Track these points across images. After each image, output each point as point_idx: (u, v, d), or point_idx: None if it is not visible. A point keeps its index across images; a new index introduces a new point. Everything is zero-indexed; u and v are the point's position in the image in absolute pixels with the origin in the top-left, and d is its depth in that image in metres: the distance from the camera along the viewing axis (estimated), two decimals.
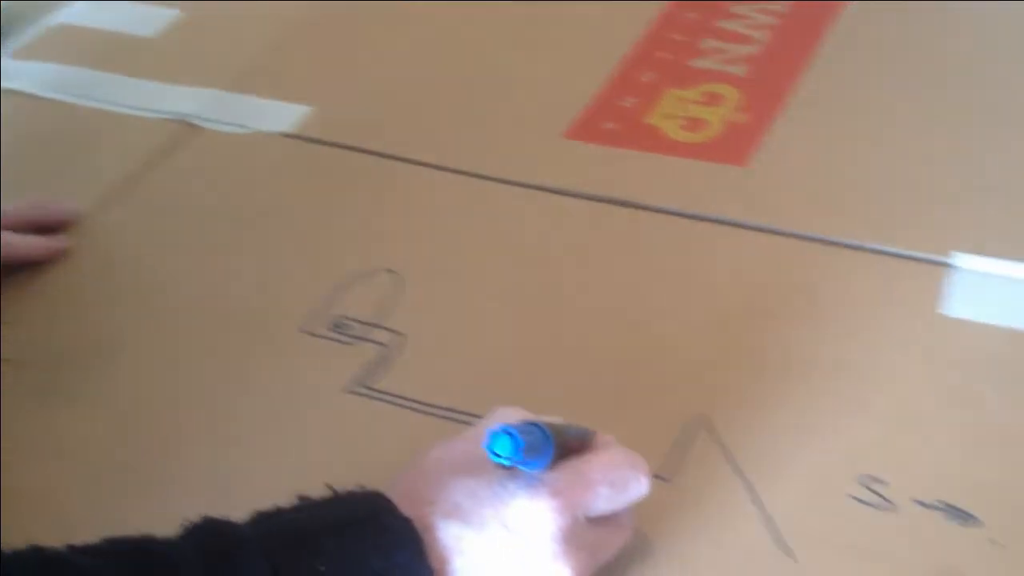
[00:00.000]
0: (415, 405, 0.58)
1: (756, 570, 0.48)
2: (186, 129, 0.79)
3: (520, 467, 0.44)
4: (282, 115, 0.79)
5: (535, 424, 0.44)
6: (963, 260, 0.60)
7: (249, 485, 0.54)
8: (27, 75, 0.86)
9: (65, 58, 0.88)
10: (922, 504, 0.49)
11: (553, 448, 0.44)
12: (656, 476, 0.52)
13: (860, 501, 0.50)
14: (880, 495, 0.50)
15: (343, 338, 0.62)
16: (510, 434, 0.43)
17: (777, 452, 0.53)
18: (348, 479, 0.52)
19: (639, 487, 0.47)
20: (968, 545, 0.47)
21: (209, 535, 0.43)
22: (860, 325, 0.58)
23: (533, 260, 0.65)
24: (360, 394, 0.58)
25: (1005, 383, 0.54)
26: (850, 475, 0.51)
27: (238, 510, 0.45)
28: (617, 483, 0.46)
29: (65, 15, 0.94)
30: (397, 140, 0.75)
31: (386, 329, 0.62)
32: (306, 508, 0.45)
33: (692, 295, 0.61)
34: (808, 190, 0.67)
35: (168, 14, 0.91)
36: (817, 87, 0.74)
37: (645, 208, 0.67)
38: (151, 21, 0.91)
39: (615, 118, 0.75)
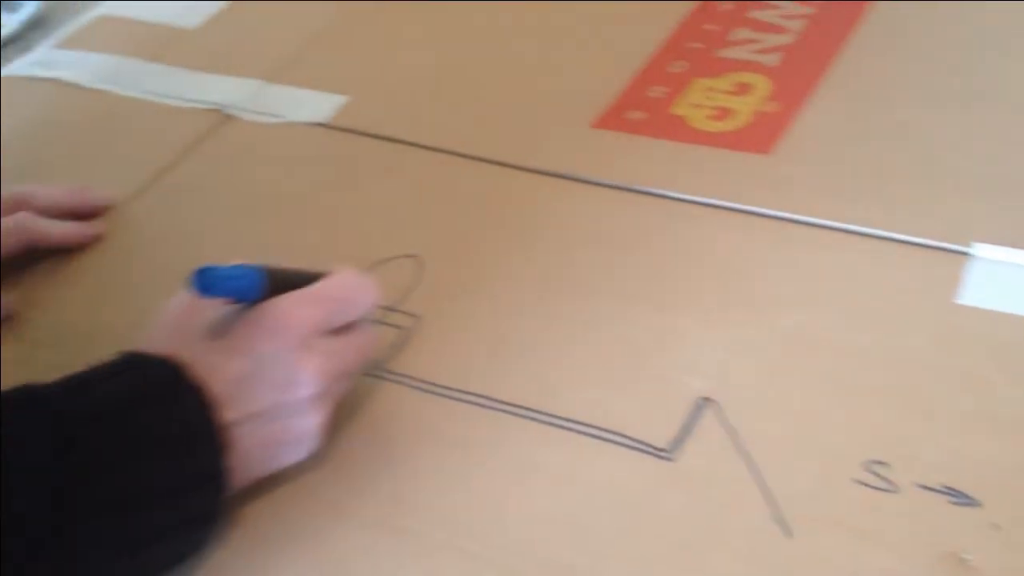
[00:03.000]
0: (431, 387, 0.58)
1: (755, 548, 0.48)
2: (223, 119, 0.81)
3: (236, 299, 0.51)
4: (318, 105, 0.80)
5: (243, 265, 0.51)
6: (982, 250, 0.59)
7: None
8: (69, 64, 0.88)
9: (107, 48, 0.90)
10: (925, 488, 0.49)
11: (261, 275, 0.51)
12: (660, 454, 0.53)
13: (864, 484, 0.49)
14: (884, 478, 0.49)
15: None
16: (207, 270, 0.49)
17: (783, 434, 0.52)
18: (367, 458, 0.54)
19: (367, 296, 0.55)
20: (970, 528, 0.47)
21: (37, 409, 0.47)
22: (874, 311, 0.58)
23: (556, 247, 0.66)
24: (376, 376, 0.59)
25: (1014, 369, 0.53)
26: (855, 458, 0.51)
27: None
28: (343, 296, 0.54)
29: (108, 6, 0.96)
30: (428, 129, 0.76)
31: (403, 312, 0.62)
32: (108, 377, 0.50)
33: (713, 281, 0.61)
34: (832, 179, 0.66)
35: (210, 6, 0.93)
36: (847, 78, 0.74)
37: (668, 196, 0.67)
38: (193, 13, 0.93)
39: (643, 108, 0.75)
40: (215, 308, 0.52)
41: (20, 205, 0.70)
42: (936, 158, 0.67)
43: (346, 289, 0.55)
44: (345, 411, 0.56)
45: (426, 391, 0.58)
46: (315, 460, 0.55)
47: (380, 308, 0.63)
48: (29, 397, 0.48)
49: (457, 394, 0.58)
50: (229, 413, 0.50)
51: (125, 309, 0.66)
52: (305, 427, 0.52)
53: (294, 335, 0.51)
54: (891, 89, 0.73)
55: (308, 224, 0.70)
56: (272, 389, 0.51)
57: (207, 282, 0.50)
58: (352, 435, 0.56)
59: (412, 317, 0.62)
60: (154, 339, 0.53)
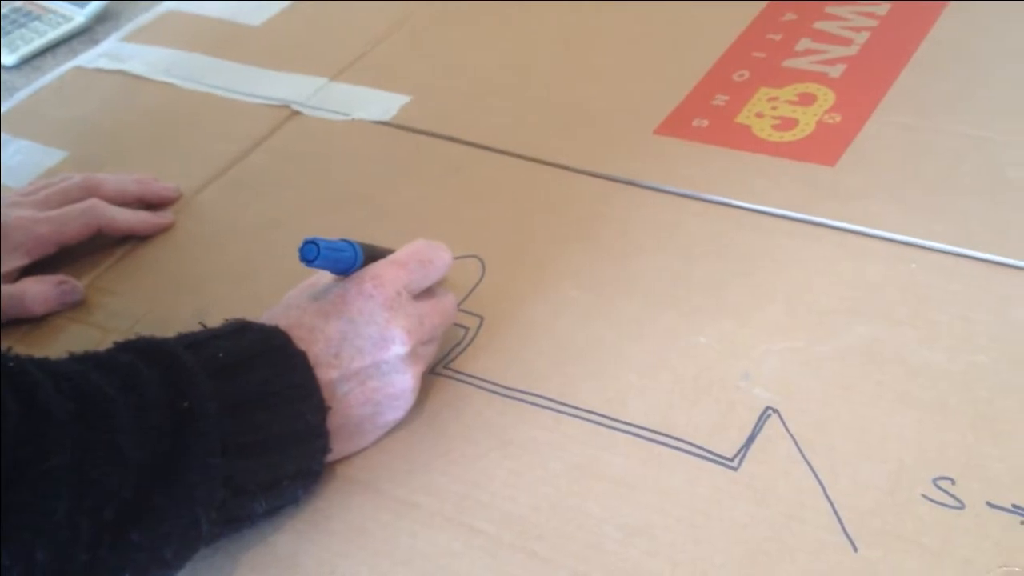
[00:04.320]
0: (495, 387, 0.59)
1: (820, 561, 0.48)
2: (287, 115, 0.81)
3: (336, 270, 0.56)
4: (381, 104, 0.81)
5: (340, 239, 0.55)
6: None
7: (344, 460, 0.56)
8: (138, 58, 0.90)
9: (173, 43, 0.91)
10: (994, 506, 0.49)
11: (359, 249, 0.56)
12: (725, 463, 0.53)
13: (931, 500, 0.49)
14: (951, 494, 0.49)
15: None
16: (313, 241, 0.53)
17: (848, 446, 0.52)
18: (431, 456, 0.55)
19: (442, 257, 0.59)
20: None
21: (157, 356, 0.50)
22: (942, 326, 0.58)
23: (619, 253, 0.66)
24: (439, 374, 0.60)
25: None
26: (922, 474, 0.50)
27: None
28: (422, 258, 0.58)
29: (176, 2, 0.97)
30: (490, 131, 0.76)
31: (466, 312, 0.63)
32: (222, 338, 0.53)
33: (778, 292, 0.61)
34: (898, 192, 0.66)
35: (274, 5, 0.94)
36: (913, 90, 0.74)
37: (733, 205, 0.67)
38: (259, 10, 0.94)
39: (706, 115, 0.75)
40: (317, 280, 0.58)
41: (91, 192, 0.72)
42: (1006, 172, 0.66)
43: (424, 252, 0.59)
44: (411, 409, 0.57)
45: (490, 391, 0.59)
46: (380, 457, 0.56)
47: None
48: (149, 345, 0.51)
49: (521, 395, 0.58)
50: (329, 372, 0.54)
51: (190, 298, 0.68)
52: (400, 384, 0.56)
53: (385, 296, 0.55)
54: (959, 101, 0.72)
55: (370, 221, 0.71)
56: (368, 348, 0.55)
57: (312, 252, 0.53)
58: (417, 432, 0.57)
59: (475, 317, 0.63)
60: (267, 314, 0.57)
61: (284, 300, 0.58)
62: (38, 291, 0.67)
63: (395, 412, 0.57)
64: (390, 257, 0.58)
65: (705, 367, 0.58)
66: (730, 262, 0.64)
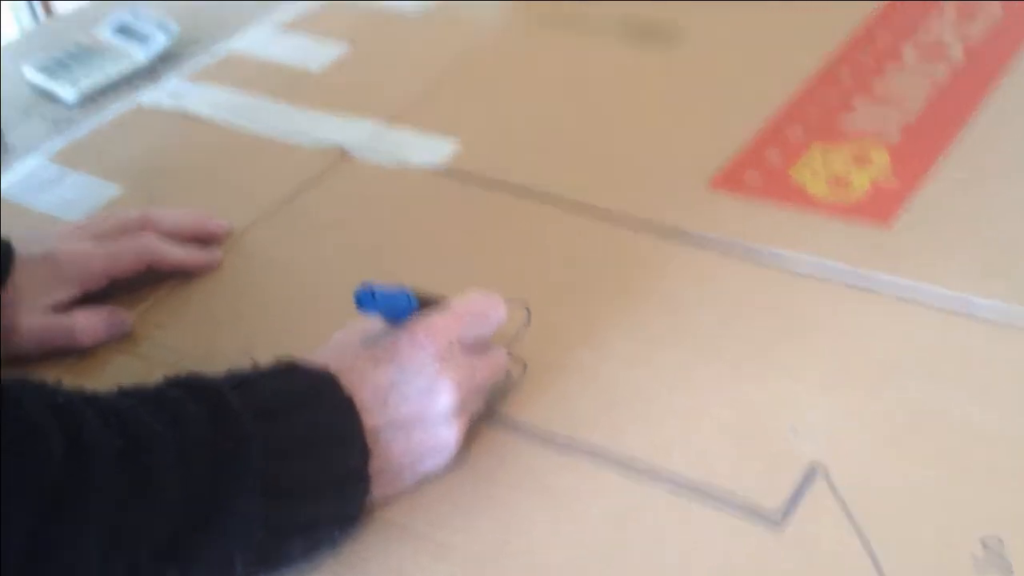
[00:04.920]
0: (538, 433, 0.58)
1: None
2: (341, 158, 0.82)
3: (389, 317, 0.56)
4: (434, 149, 0.81)
5: (399, 285, 0.55)
6: None
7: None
8: (197, 97, 0.91)
9: (234, 84, 0.92)
10: None
11: (413, 298, 0.56)
12: (769, 519, 0.52)
13: (978, 560, 0.48)
14: (1000, 556, 0.48)
15: None
16: (369, 287, 0.53)
17: (895, 506, 0.51)
18: (472, 499, 0.55)
19: (498, 311, 0.59)
20: None
21: (205, 394, 0.50)
22: (992, 389, 0.57)
23: (668, 304, 0.65)
24: (483, 418, 0.59)
25: None
26: (970, 535, 0.49)
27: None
28: (477, 311, 0.58)
29: (239, 43, 0.99)
30: (540, 178, 0.77)
31: (512, 357, 0.62)
32: (270, 378, 0.54)
33: (828, 349, 0.61)
34: (953, 254, 0.65)
35: (334, 51, 0.95)
36: (969, 153, 0.73)
37: (784, 261, 0.67)
38: (319, 55, 0.95)
39: (760, 170, 0.74)
40: (370, 325, 0.57)
41: (145, 226, 0.72)
42: None
43: (479, 305, 0.59)
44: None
45: (532, 436, 0.58)
46: (420, 499, 0.55)
47: None
48: (198, 381, 0.51)
49: (563, 441, 0.58)
50: (375, 419, 0.54)
51: (237, 335, 0.68)
52: (444, 437, 0.55)
53: (437, 347, 0.55)
54: (1016, 165, 0.72)
55: (418, 266, 0.71)
56: (415, 397, 0.54)
57: (367, 298, 0.53)
58: (457, 476, 0.57)
59: (520, 362, 0.62)
60: (316, 354, 0.57)
61: (333, 340, 0.58)
62: (88, 323, 0.67)
63: (436, 462, 0.56)
64: (445, 307, 0.58)
65: (751, 419, 0.57)
66: (780, 318, 0.63)
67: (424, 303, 0.57)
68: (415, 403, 0.54)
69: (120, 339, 0.68)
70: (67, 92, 0.92)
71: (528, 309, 0.65)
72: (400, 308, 0.56)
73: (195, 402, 0.49)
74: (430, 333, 0.55)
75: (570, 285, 0.68)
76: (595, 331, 0.64)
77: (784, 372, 0.59)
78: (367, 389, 0.54)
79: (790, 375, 0.59)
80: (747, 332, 0.62)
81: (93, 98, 0.93)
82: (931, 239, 0.67)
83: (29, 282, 0.68)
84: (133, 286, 0.71)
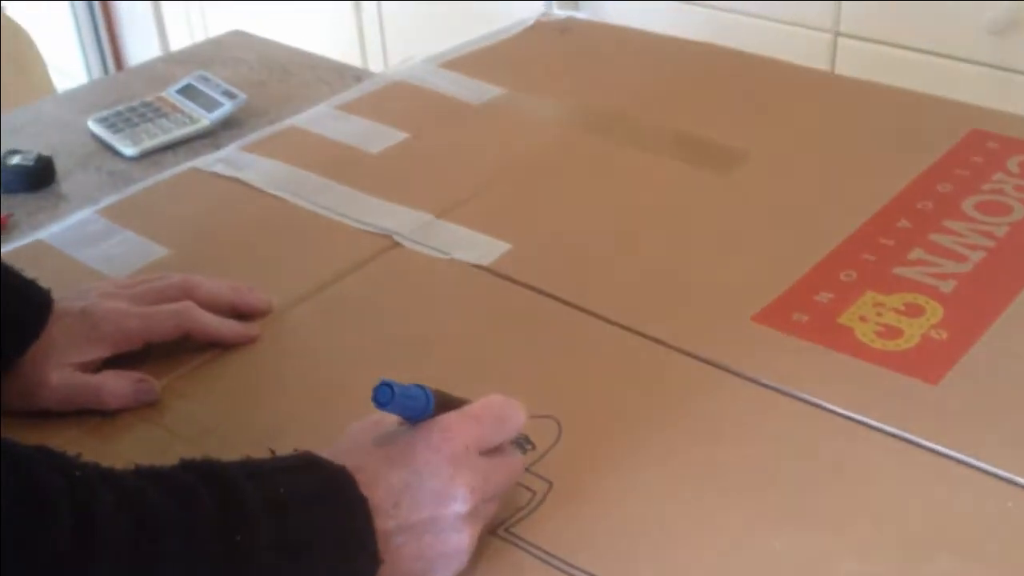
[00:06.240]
0: (550, 559, 0.57)
1: None
2: (389, 244, 0.82)
3: (406, 416, 0.55)
4: (482, 248, 0.81)
5: (418, 385, 0.55)
6: None
7: None
8: (254, 168, 0.91)
9: (291, 159, 0.92)
10: None
11: (431, 396, 0.55)
12: None
13: None
14: None
15: None
16: (388, 384, 0.52)
17: None
18: None
19: (517, 417, 0.58)
20: None
21: (219, 482, 0.50)
22: None
23: (701, 438, 0.64)
24: (497, 535, 0.58)
25: None
26: None
27: None
28: (495, 415, 0.57)
29: (301, 118, 0.99)
30: (585, 291, 0.76)
31: (536, 475, 0.61)
32: (286, 470, 0.53)
33: (864, 508, 0.59)
34: (1001, 421, 0.64)
35: (395, 135, 0.96)
36: None
37: (825, 408, 0.65)
38: (379, 139, 0.95)
39: (808, 311, 0.73)
40: (387, 420, 0.56)
41: (185, 293, 0.72)
42: None
43: (498, 408, 0.58)
44: (465, 570, 0.55)
45: (546, 562, 0.57)
46: None
47: None
48: (213, 469, 0.51)
49: (578, 572, 0.56)
50: (388, 522, 0.53)
51: (263, 414, 0.67)
52: (456, 543, 0.54)
53: (452, 450, 0.54)
54: None
55: (452, 363, 0.70)
56: (428, 501, 0.54)
57: (386, 395, 0.53)
58: None
59: (544, 482, 0.61)
60: (334, 449, 0.56)
61: (348, 434, 0.57)
62: (115, 386, 0.67)
63: (446, 571, 0.55)
64: (464, 409, 0.57)
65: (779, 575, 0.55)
66: (817, 467, 0.61)
67: (443, 403, 0.57)
68: (427, 507, 0.54)
69: (146, 406, 0.67)
70: (127, 148, 0.93)
71: (559, 424, 0.64)
72: (418, 408, 0.55)
73: (208, 491, 0.49)
74: (446, 436, 0.55)
75: (605, 403, 0.67)
76: (625, 455, 0.62)
77: (817, 527, 0.58)
78: (380, 489, 0.53)
79: (823, 531, 0.57)
80: (783, 478, 0.61)
81: (152, 156, 0.94)
82: (979, 403, 0.65)
83: (63, 337, 0.68)
84: (166, 352, 0.71)
